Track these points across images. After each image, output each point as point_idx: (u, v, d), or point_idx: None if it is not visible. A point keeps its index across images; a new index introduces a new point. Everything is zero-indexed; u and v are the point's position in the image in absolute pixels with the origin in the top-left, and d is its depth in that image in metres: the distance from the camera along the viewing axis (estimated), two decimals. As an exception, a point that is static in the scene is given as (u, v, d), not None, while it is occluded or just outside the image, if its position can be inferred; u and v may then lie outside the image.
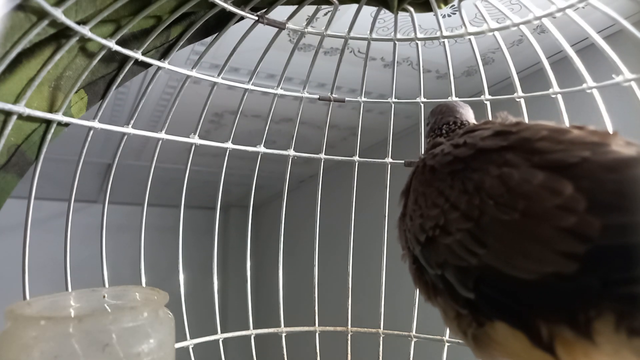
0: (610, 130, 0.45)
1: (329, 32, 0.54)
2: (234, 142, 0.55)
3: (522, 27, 0.49)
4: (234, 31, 0.49)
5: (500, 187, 0.27)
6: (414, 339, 0.56)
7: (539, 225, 0.25)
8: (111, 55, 0.42)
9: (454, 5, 0.49)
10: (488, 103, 0.53)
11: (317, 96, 0.58)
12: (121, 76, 0.44)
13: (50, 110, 0.40)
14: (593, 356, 0.24)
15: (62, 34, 0.37)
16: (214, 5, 0.44)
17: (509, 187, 0.26)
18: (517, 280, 0.25)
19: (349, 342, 0.58)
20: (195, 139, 0.51)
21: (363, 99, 0.59)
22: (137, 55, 0.43)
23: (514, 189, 0.26)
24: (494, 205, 0.27)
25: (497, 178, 0.27)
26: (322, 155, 0.59)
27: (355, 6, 0.50)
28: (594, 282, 0.23)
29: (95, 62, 0.41)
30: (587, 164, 0.25)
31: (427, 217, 0.31)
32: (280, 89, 0.55)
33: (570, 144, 0.27)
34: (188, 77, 0.49)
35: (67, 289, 0.42)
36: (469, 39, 0.52)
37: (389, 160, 0.59)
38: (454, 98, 0.55)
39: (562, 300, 0.24)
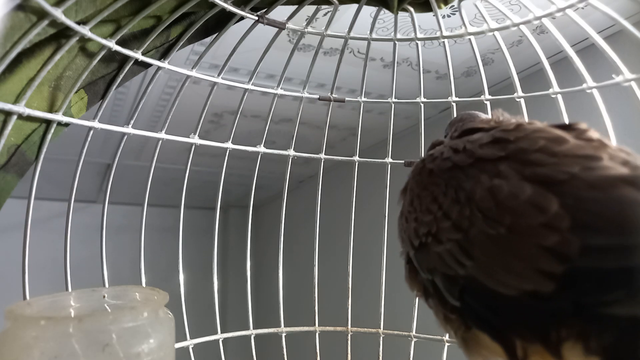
0: (609, 136, 0.45)
1: (329, 32, 0.54)
2: (233, 142, 0.55)
3: (522, 27, 0.49)
4: (234, 31, 0.49)
5: (490, 201, 0.27)
6: (414, 339, 0.56)
7: (523, 242, 0.25)
8: (111, 55, 0.42)
9: (454, 5, 0.49)
10: (488, 103, 0.53)
11: (317, 96, 0.58)
12: (121, 76, 0.44)
13: (50, 110, 0.40)
14: None
15: (62, 34, 0.37)
16: (214, 5, 0.44)
17: (498, 201, 0.26)
18: (498, 295, 0.25)
19: (349, 342, 0.58)
20: (195, 139, 0.51)
21: (363, 99, 0.59)
22: (137, 55, 0.43)
23: (502, 203, 0.26)
24: (482, 219, 0.27)
25: (487, 190, 0.27)
26: (322, 155, 0.59)
27: (355, 6, 0.50)
28: (568, 303, 0.23)
29: (95, 62, 0.41)
30: (575, 181, 0.25)
31: (421, 222, 0.31)
32: (280, 89, 0.55)
33: (564, 156, 0.26)
34: (188, 77, 0.49)
35: (67, 289, 0.42)
36: (469, 39, 0.52)
37: (389, 160, 0.59)
38: (454, 98, 0.55)
39: (537, 318, 0.24)
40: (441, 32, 0.53)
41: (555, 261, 0.23)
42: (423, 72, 0.57)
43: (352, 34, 0.55)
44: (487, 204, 0.27)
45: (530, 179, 0.26)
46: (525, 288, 0.24)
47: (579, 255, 0.23)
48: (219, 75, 0.51)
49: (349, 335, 0.58)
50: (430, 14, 0.50)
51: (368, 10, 0.52)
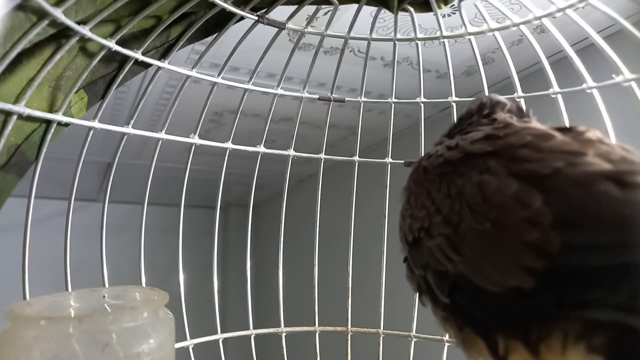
0: (609, 136, 0.45)
1: (329, 32, 0.54)
2: (234, 142, 0.55)
3: (522, 27, 0.49)
4: (234, 31, 0.49)
5: (477, 196, 0.27)
6: (414, 339, 0.56)
7: (506, 237, 0.25)
8: (111, 55, 0.42)
9: (454, 5, 0.49)
10: (488, 103, 0.53)
11: (317, 96, 0.58)
12: (121, 76, 0.44)
13: (50, 110, 0.40)
14: None
15: (62, 34, 0.37)
16: (214, 5, 0.44)
17: (485, 196, 0.26)
18: (484, 291, 0.25)
19: (349, 342, 0.58)
20: (195, 139, 0.51)
21: (363, 98, 0.59)
22: (137, 55, 0.43)
23: (488, 199, 0.26)
24: (470, 214, 0.27)
25: (476, 186, 0.27)
26: (322, 155, 0.59)
27: (355, 6, 0.50)
28: (548, 301, 0.23)
29: (95, 62, 0.41)
30: (559, 176, 0.25)
31: (415, 218, 0.31)
32: (280, 88, 0.55)
33: (549, 152, 0.26)
34: (188, 77, 0.49)
35: (67, 289, 0.42)
36: (469, 38, 0.52)
37: (389, 160, 0.59)
38: (454, 98, 0.55)
39: (519, 316, 0.24)
40: (441, 31, 0.53)
41: (537, 257, 0.23)
42: (423, 72, 0.56)
43: (352, 34, 0.55)
44: (475, 199, 0.27)
45: (517, 174, 0.26)
46: (509, 284, 0.24)
47: (559, 253, 0.23)
48: (219, 74, 0.51)
49: (349, 335, 0.58)
50: (430, 13, 0.50)
51: (368, 10, 0.52)
